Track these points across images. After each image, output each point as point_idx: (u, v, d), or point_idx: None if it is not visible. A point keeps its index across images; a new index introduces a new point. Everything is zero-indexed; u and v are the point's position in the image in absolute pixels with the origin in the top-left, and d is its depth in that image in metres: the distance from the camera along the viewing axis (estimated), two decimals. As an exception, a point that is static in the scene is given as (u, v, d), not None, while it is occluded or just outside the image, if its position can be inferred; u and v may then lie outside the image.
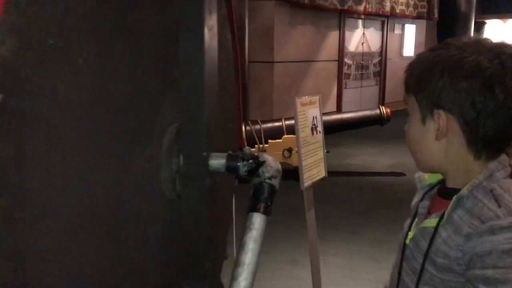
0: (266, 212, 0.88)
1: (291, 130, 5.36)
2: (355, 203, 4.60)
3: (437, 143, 0.90)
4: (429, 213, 0.96)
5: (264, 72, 8.17)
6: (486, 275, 0.81)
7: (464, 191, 0.87)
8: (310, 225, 1.80)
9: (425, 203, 0.98)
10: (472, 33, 12.85)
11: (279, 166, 0.96)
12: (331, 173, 5.60)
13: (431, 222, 0.91)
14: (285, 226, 3.90)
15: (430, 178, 1.01)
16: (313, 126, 1.82)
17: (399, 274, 0.99)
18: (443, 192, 0.95)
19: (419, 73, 0.89)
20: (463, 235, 0.85)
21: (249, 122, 5.34)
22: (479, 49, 0.85)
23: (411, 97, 0.91)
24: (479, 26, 13.60)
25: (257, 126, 5.30)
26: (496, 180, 0.88)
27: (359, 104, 10.07)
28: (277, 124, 5.41)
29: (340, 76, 9.58)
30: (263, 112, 7.99)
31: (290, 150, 5.22)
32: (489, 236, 0.82)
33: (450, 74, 0.85)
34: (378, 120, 5.54)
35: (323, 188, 5.02)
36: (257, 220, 0.84)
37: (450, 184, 0.93)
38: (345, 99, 9.68)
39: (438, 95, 0.86)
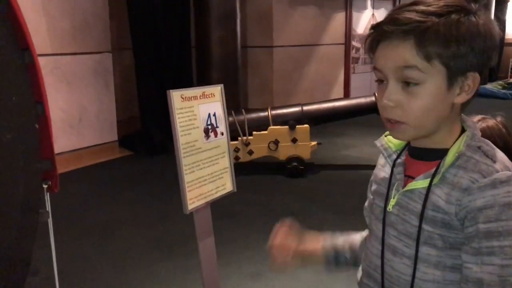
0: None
1: (279, 120, 4.90)
2: (343, 200, 4.13)
3: (450, 106, 0.92)
4: (410, 177, 0.98)
5: (263, 57, 7.70)
6: (490, 229, 0.86)
7: (461, 148, 0.91)
8: (205, 258, 1.36)
9: (399, 169, 1.00)
10: (493, 12, 12.03)
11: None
12: (322, 166, 5.28)
13: (420, 183, 0.94)
14: (256, 230, 3.48)
15: (394, 145, 1.04)
16: (209, 127, 1.36)
17: (383, 243, 0.99)
18: (418, 154, 0.98)
19: (455, 41, 0.87)
20: (462, 188, 0.88)
21: (232, 112, 4.89)
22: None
23: (435, 66, 0.88)
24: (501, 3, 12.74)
25: (241, 117, 4.85)
26: (478, 138, 0.94)
27: (369, 89, 9.47)
28: (262, 114, 4.95)
29: (348, 61, 9.01)
30: (263, 100, 7.56)
31: (276, 142, 4.77)
32: (491, 190, 0.87)
33: (478, 34, 0.89)
34: (374, 109, 5.02)
35: (309, 183, 4.63)
36: None
37: (429, 145, 0.96)
38: (353, 85, 9.11)
39: (473, 58, 0.88)
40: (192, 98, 1.32)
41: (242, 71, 7.03)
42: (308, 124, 4.82)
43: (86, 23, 5.26)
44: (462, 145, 0.92)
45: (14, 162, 1.18)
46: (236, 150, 4.74)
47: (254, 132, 4.79)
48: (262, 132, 4.78)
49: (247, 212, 3.91)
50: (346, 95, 8.85)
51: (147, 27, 5.80)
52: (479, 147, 0.92)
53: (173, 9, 5.97)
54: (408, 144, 1.02)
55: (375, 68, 0.95)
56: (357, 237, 1.21)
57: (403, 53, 0.89)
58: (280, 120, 4.85)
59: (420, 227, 0.92)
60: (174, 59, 6.10)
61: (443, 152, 0.93)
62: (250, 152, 4.77)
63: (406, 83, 0.90)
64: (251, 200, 4.21)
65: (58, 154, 5.12)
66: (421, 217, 0.92)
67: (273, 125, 4.83)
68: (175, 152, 1.27)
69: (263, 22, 7.55)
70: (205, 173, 1.37)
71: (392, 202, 0.98)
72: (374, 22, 1.21)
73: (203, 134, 1.36)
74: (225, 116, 1.45)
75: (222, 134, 1.44)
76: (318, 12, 8.19)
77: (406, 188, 0.96)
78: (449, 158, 0.92)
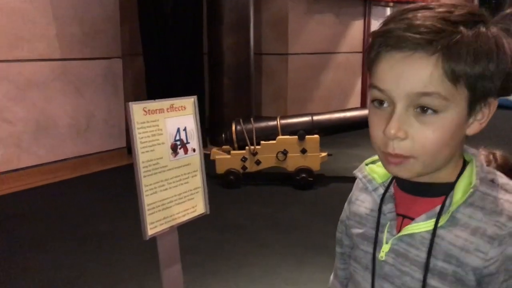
0: None
1: (288, 130, 4.76)
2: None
3: (462, 137, 0.77)
4: (405, 216, 0.81)
5: (278, 65, 7.57)
6: None
7: (475, 181, 0.75)
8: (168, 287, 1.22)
9: (390, 206, 0.84)
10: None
11: None
12: (332, 178, 5.06)
13: (422, 226, 0.77)
14: (259, 244, 3.31)
15: (379, 176, 0.88)
16: (177, 143, 1.23)
17: None
18: (414, 189, 0.81)
19: (485, 59, 0.70)
20: (488, 236, 0.72)
21: (240, 120, 4.77)
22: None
23: (461, 89, 0.71)
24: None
25: (249, 126, 4.72)
26: (486, 169, 0.79)
27: (387, 99, 9.26)
28: (271, 123, 4.80)
29: (365, 70, 8.82)
30: (277, 108, 7.43)
31: (285, 152, 4.62)
32: None
33: (504, 54, 0.73)
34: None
35: (318, 195, 4.45)
36: None
37: (429, 178, 0.78)
38: (370, 94, 8.91)
39: (500, 76, 0.73)
40: (158, 111, 1.20)
41: (256, 79, 6.91)
42: (319, 135, 4.66)
43: (96, 28, 5.21)
44: (475, 177, 0.76)
45: None
46: (243, 159, 4.61)
47: (262, 142, 4.65)
48: (270, 141, 4.65)
49: (251, 225, 3.77)
50: (363, 105, 8.65)
51: (158, 33, 5.73)
52: (492, 180, 0.77)
53: (184, 15, 5.89)
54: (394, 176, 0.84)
55: (374, 87, 0.75)
56: None
57: (424, 71, 0.70)
58: (290, 129, 4.70)
59: (425, 282, 0.76)
60: (185, 66, 6.01)
61: (448, 187, 0.77)
62: (258, 162, 4.64)
63: (423, 109, 0.72)
64: (256, 212, 4.06)
65: (64, 160, 5.09)
66: (426, 269, 0.75)
67: (282, 135, 4.68)
68: (135, 171, 1.15)
69: (278, 29, 7.43)
70: (171, 194, 1.24)
71: (384, 248, 0.81)
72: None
73: (170, 151, 1.23)
74: (198, 131, 1.32)
75: (194, 150, 1.31)
76: (336, 19, 8.03)
77: (403, 232, 0.80)
78: (459, 194, 0.76)
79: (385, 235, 0.82)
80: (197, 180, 1.32)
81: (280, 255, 3.21)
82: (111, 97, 5.48)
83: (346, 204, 0.97)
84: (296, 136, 4.60)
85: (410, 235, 0.79)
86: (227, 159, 4.64)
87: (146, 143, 1.16)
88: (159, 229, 1.20)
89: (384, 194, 0.85)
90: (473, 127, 0.77)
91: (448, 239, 0.75)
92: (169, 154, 1.23)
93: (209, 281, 2.90)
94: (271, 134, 4.70)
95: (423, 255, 0.77)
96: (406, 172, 0.76)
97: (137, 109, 1.15)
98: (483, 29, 0.72)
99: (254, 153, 4.62)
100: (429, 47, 0.69)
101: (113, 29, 5.39)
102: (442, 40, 0.69)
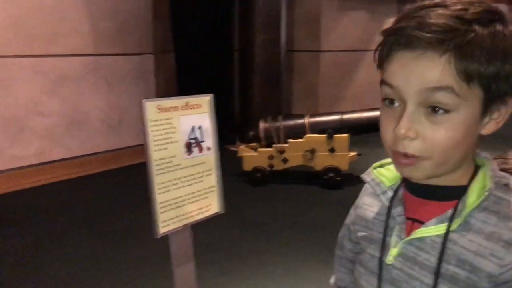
0: None
1: (316, 128, 4.70)
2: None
3: (475, 138, 0.74)
4: (415, 220, 0.79)
5: (309, 62, 7.50)
6: None
7: (489, 185, 0.73)
8: (181, 286, 1.21)
9: (399, 209, 0.82)
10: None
11: None
12: (358, 178, 4.92)
13: (432, 230, 0.75)
14: (280, 243, 3.28)
15: (388, 180, 0.86)
16: (191, 141, 1.22)
17: None
18: (424, 192, 0.78)
19: (501, 58, 0.68)
20: (504, 241, 0.70)
21: (268, 118, 4.74)
22: None
23: (474, 88, 0.69)
24: None
25: (277, 123, 4.69)
26: (500, 173, 0.76)
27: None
28: (299, 121, 4.76)
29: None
30: (308, 106, 7.37)
31: (312, 151, 4.57)
32: None
33: None
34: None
35: (345, 196, 4.35)
36: None
37: (440, 181, 0.76)
38: (404, 93, 8.72)
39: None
40: (172, 109, 1.19)
41: (287, 76, 6.88)
42: (348, 133, 4.59)
43: (128, 24, 5.28)
44: (489, 181, 0.74)
45: None
46: (270, 157, 4.59)
47: (289, 140, 4.62)
48: (298, 140, 4.60)
49: (273, 224, 3.75)
50: (396, 104, 8.48)
51: (190, 29, 5.77)
52: (506, 185, 0.74)
53: (216, 12, 5.91)
54: (404, 179, 0.82)
55: (385, 83, 0.74)
56: None
57: (435, 69, 0.68)
58: (318, 128, 4.65)
59: (435, 287, 0.74)
60: (216, 63, 6.03)
61: (460, 190, 0.75)
62: (285, 160, 4.60)
63: (434, 109, 0.70)
64: (280, 210, 4.04)
65: (96, 153, 5.19)
66: (437, 273, 0.73)
67: (310, 133, 4.63)
68: (147, 169, 1.14)
69: (311, 26, 7.36)
70: (184, 192, 1.23)
71: (392, 252, 0.79)
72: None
73: (184, 149, 1.22)
74: (213, 130, 1.30)
75: (209, 149, 1.30)
76: (369, 16, 7.90)
77: (413, 236, 0.78)
78: (472, 198, 0.73)
79: (393, 239, 0.81)
80: (212, 179, 1.31)
81: (303, 255, 3.17)
82: (142, 93, 5.55)
83: (351, 209, 0.96)
84: (325, 135, 4.54)
85: (420, 239, 0.77)
86: (254, 156, 4.63)
87: (159, 141, 1.16)
88: (171, 227, 1.20)
89: (393, 197, 0.84)
90: (489, 127, 0.74)
91: (461, 244, 0.73)
92: (183, 152, 1.22)
93: (228, 279, 2.89)
94: (299, 132, 4.66)
95: (433, 259, 0.75)
96: (417, 173, 0.75)
97: (150, 106, 1.14)
98: (499, 27, 0.69)
99: (281, 151, 4.60)
100: (441, 46, 0.67)
101: (145, 25, 5.46)
102: (455, 39, 0.67)
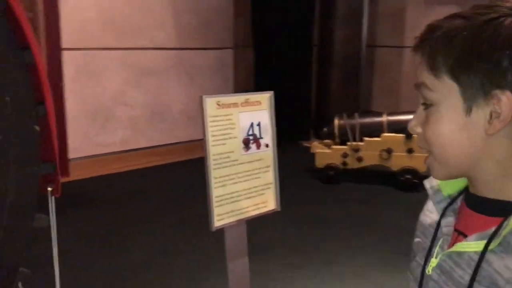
0: None
1: (394, 127, 4.55)
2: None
3: (481, 138, 0.70)
4: (460, 232, 0.76)
5: (392, 58, 7.25)
6: None
7: None
8: (234, 281, 1.24)
9: (449, 220, 0.79)
10: None
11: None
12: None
13: (472, 245, 0.71)
14: (347, 244, 3.22)
15: (449, 188, 0.82)
16: (250, 138, 1.24)
17: None
18: (475, 204, 0.75)
19: (467, 47, 0.68)
20: None
21: (343, 114, 4.66)
22: None
23: (444, 81, 0.70)
24: None
25: (353, 121, 4.60)
26: None
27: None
28: (377, 119, 4.63)
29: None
30: (388, 103, 7.15)
31: (389, 151, 4.44)
32: None
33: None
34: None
35: (423, 199, 4.16)
36: None
37: (489, 193, 0.72)
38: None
39: (503, 72, 0.66)
40: (232, 106, 1.21)
41: (368, 72, 6.71)
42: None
43: (210, 19, 5.42)
44: None
45: (5, 164, 1.17)
46: (344, 155, 4.52)
47: (365, 138, 4.51)
48: (375, 138, 4.48)
49: (343, 223, 3.69)
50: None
51: (270, 25, 5.80)
52: None
53: (297, 7, 5.89)
54: (466, 188, 0.79)
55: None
56: None
57: (419, 69, 0.75)
58: (396, 127, 4.49)
59: None
60: (294, 58, 6.03)
61: (510, 206, 0.70)
62: (359, 159, 4.51)
63: (425, 105, 0.75)
64: (351, 210, 3.97)
65: (176, 143, 5.41)
66: None
67: (387, 132, 4.50)
68: (205, 163, 1.18)
69: (395, 21, 7.12)
70: (240, 188, 1.26)
71: (432, 263, 0.77)
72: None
73: (242, 145, 1.24)
74: (272, 127, 1.31)
75: (267, 146, 1.31)
76: (458, 11, 7.49)
77: (452, 249, 0.75)
78: None
79: (437, 249, 0.79)
80: (269, 176, 1.32)
81: (372, 258, 3.10)
82: (221, 87, 5.68)
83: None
84: (403, 135, 4.39)
85: (459, 253, 0.74)
86: (328, 153, 4.58)
87: (217, 136, 1.19)
88: (226, 221, 1.23)
89: (447, 207, 0.81)
90: (494, 126, 0.69)
91: (495, 267, 0.68)
92: (241, 148, 1.24)
93: (294, 275, 2.90)
94: (375, 130, 4.54)
95: (467, 277, 0.71)
96: (433, 172, 0.78)
97: (210, 102, 1.17)
98: (482, 18, 0.69)
99: (356, 150, 4.50)
100: (420, 46, 0.74)
101: (226, 20, 5.57)
102: (428, 38, 0.72)
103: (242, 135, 1.24)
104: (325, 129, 4.72)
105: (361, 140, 4.51)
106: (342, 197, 4.27)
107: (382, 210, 4.00)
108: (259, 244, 3.25)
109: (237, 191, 1.25)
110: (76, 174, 4.50)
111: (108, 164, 4.87)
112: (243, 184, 1.26)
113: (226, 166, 1.21)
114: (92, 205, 3.98)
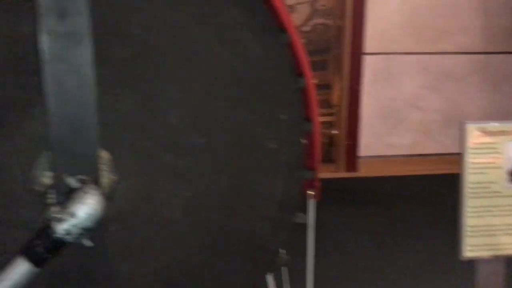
0: (32, 259, 0.73)
1: None
2: None
3: None
4: None
5: None
6: None
7: None
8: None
9: None
10: None
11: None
12: None
13: None
14: None
15: None
16: (518, 170, 1.16)
17: None
18: None
19: None
20: None
21: None
22: None
23: None
24: None
25: None
26: None
27: None
28: None
29: None
30: None
31: None
32: None
33: None
34: None
35: None
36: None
37: None
38: None
39: None
40: (498, 133, 1.13)
41: None
42: None
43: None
44: None
45: (277, 167, 1.42)
46: None
47: None
48: None
49: None
50: None
51: None
52: None
53: None
54: None
55: None
56: None
57: None
58: None
59: None
60: None
61: None
62: None
63: None
64: None
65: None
66: None
67: None
68: (459, 189, 1.15)
69: None
70: (500, 221, 1.16)
71: None
72: None
73: (507, 177, 1.15)
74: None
75: (541, 181, 1.17)
76: None
77: None
78: None
79: None
80: (539, 215, 1.18)
81: None
82: (530, 95, 5.03)
83: None
84: None
85: None
86: None
87: (477, 164, 1.13)
88: (478, 254, 1.16)
89: None
90: None
91: None
92: (505, 180, 1.15)
93: None
94: None
95: None
96: None
97: (471, 130, 1.13)
98: None
99: None
100: None
101: (548, 20, 4.86)
102: None
103: (508, 166, 1.15)
104: None
105: None
106: None
107: None
108: None
109: (495, 225, 1.16)
110: (363, 171, 4.75)
111: (394, 166, 4.95)
112: (504, 219, 1.16)
113: (484, 197, 1.14)
114: (368, 204, 4.15)
